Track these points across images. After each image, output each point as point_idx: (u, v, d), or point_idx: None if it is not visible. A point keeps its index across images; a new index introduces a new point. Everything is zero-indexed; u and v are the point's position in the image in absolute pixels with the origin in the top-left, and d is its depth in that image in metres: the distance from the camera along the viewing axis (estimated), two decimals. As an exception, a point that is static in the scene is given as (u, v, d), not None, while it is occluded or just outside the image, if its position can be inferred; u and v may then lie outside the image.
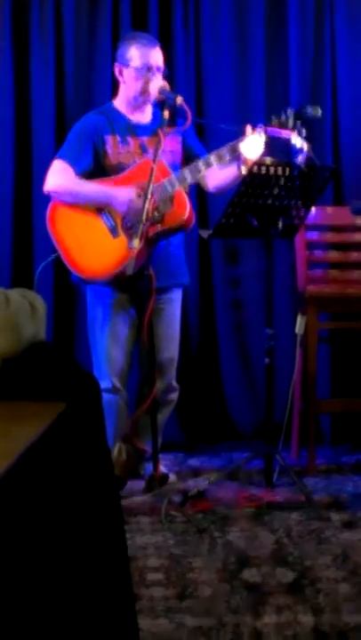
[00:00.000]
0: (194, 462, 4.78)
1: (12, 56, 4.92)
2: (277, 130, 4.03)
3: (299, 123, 3.99)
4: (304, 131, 4.00)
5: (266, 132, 4.03)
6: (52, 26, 4.91)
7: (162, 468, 4.21)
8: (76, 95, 4.96)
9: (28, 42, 4.93)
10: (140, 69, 4.13)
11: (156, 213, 4.00)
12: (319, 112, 4.05)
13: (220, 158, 4.04)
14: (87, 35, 4.97)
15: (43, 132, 4.92)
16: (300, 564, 3.36)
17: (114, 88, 4.84)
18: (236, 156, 4.04)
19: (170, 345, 4.28)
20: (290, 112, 4.04)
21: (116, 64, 4.22)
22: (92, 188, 4.12)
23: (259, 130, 4.03)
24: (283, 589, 3.14)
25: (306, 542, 3.58)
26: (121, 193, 4.06)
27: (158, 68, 4.16)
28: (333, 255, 4.97)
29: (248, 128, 4.03)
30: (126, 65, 4.16)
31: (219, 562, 3.38)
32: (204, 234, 4.19)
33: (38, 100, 4.93)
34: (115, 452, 4.17)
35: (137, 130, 4.20)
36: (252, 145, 4.00)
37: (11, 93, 4.91)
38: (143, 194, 3.89)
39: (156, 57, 4.16)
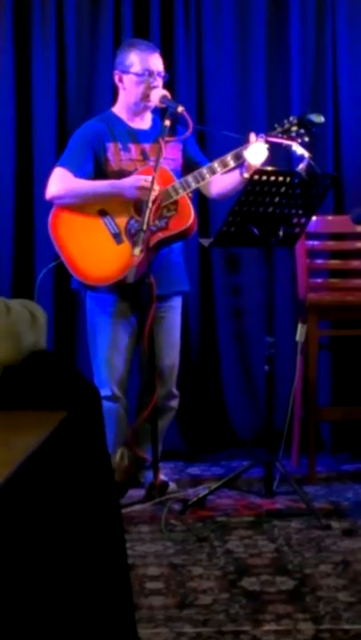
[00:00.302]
0: (194, 470, 4.78)
1: (14, 57, 4.92)
2: (278, 138, 4.05)
3: (302, 130, 4.00)
4: (306, 138, 4.00)
5: (267, 141, 4.05)
6: (53, 27, 4.92)
7: (162, 477, 4.20)
8: (78, 96, 4.96)
9: (29, 43, 4.94)
10: (141, 74, 4.14)
11: (157, 222, 4.01)
12: (322, 119, 4.06)
13: (224, 165, 4.06)
14: (89, 36, 4.98)
15: (44, 134, 4.93)
16: (300, 572, 3.36)
17: (115, 90, 4.86)
18: (240, 163, 4.06)
19: (170, 352, 4.29)
20: (293, 119, 4.05)
21: (116, 71, 4.23)
22: (98, 183, 4.12)
23: (260, 138, 4.04)
24: (283, 597, 3.13)
25: (306, 550, 3.57)
26: (128, 180, 4.07)
27: (159, 73, 4.17)
28: (334, 263, 4.98)
29: (252, 135, 4.04)
30: (126, 71, 4.17)
31: (218, 570, 3.38)
32: (205, 242, 4.19)
33: (39, 101, 4.93)
34: (117, 457, 4.16)
35: (138, 136, 4.21)
36: (257, 152, 4.02)
37: (12, 95, 4.92)
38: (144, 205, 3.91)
39: (157, 62, 4.17)
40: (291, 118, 4.07)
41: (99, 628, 1.88)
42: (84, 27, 4.97)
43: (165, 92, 4.14)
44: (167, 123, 4.03)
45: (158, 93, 4.13)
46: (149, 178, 3.93)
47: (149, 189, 3.89)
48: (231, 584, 3.25)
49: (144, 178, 4.00)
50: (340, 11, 5.06)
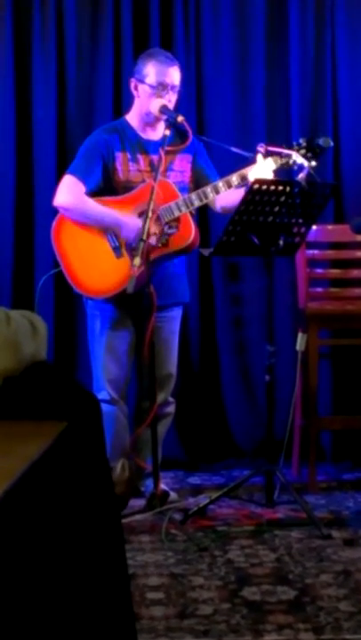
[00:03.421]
0: (194, 480, 4.78)
1: (14, 61, 4.93)
2: (278, 148, 4.06)
3: (309, 154, 4.00)
4: (314, 163, 3.99)
5: (267, 150, 4.05)
6: (53, 32, 4.92)
7: (162, 486, 4.20)
8: (78, 101, 4.97)
9: (29, 46, 4.94)
10: (155, 87, 4.13)
11: (159, 234, 4.01)
12: (330, 143, 4.07)
13: (228, 185, 4.07)
14: (88, 41, 4.98)
15: (44, 141, 4.93)
16: (300, 581, 3.35)
17: (115, 100, 4.87)
18: (245, 182, 4.06)
19: (168, 362, 4.28)
20: (302, 142, 4.05)
21: (133, 79, 4.23)
22: (101, 211, 4.12)
23: (260, 147, 4.05)
24: (283, 607, 3.13)
25: (307, 560, 3.57)
26: (130, 222, 4.08)
27: (172, 87, 4.17)
28: (334, 272, 4.98)
29: (259, 156, 4.05)
30: (142, 81, 4.17)
31: (219, 580, 3.37)
32: (205, 252, 4.20)
33: (39, 106, 4.93)
34: (118, 469, 4.17)
35: (147, 147, 4.21)
36: (262, 173, 4.02)
37: (12, 100, 4.92)
38: (144, 214, 3.91)
39: (173, 76, 4.16)
40: (300, 141, 4.07)
41: (99, 639, 1.88)
42: (84, 31, 4.98)
43: (165, 102, 4.14)
44: (167, 132, 4.04)
45: (158, 103, 4.13)
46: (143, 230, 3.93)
47: (142, 228, 3.89)
48: (232, 594, 3.25)
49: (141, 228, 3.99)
50: (338, 15, 5.07)
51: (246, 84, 5.08)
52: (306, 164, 3.99)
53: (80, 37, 4.97)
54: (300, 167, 4.00)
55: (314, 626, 2.97)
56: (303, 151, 4.00)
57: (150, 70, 4.15)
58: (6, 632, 1.52)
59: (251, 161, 4.09)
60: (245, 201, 3.88)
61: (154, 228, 3.99)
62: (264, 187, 3.87)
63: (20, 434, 1.88)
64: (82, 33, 4.98)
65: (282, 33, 5.09)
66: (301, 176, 3.97)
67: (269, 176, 4.03)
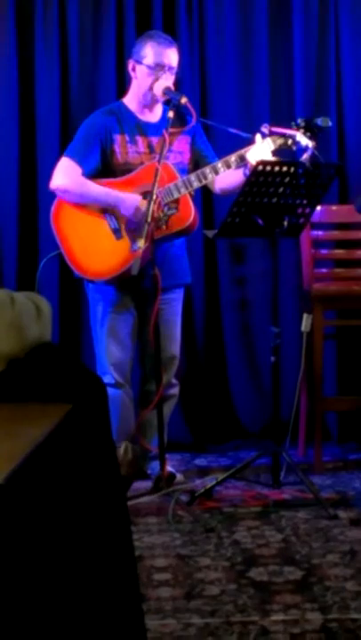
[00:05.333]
0: (201, 461, 4.79)
1: (17, 51, 4.91)
2: (282, 128, 4.05)
3: (308, 134, 3.99)
4: (313, 143, 3.98)
5: (271, 131, 4.05)
6: (56, 23, 4.90)
7: (169, 468, 4.21)
8: (81, 91, 4.95)
9: (32, 39, 4.92)
10: (153, 68, 4.12)
11: (161, 214, 4.01)
12: (329, 123, 4.05)
13: (227, 166, 4.06)
14: (91, 30, 4.96)
15: (47, 129, 4.92)
16: (307, 562, 3.36)
17: (118, 85, 4.85)
18: (244, 163, 4.05)
19: (170, 344, 4.28)
20: (300, 122, 4.03)
21: (130, 60, 4.22)
22: (99, 190, 4.12)
23: (264, 128, 4.04)
24: (290, 587, 3.14)
25: (313, 540, 3.58)
26: (128, 198, 4.07)
27: (170, 68, 4.15)
28: (339, 253, 4.97)
29: (257, 136, 4.04)
30: (139, 62, 4.16)
31: (226, 561, 3.39)
32: (210, 234, 4.19)
33: (43, 97, 4.92)
34: (121, 451, 4.18)
35: (146, 129, 4.20)
36: (260, 153, 4.01)
37: (15, 91, 4.91)
38: (148, 196, 3.90)
39: (171, 57, 4.15)
40: (298, 121, 4.06)
41: (106, 620, 1.88)
42: (87, 20, 4.96)
43: (168, 84, 4.12)
44: (171, 114, 4.03)
45: (161, 85, 4.12)
46: (143, 204, 3.91)
47: (143, 214, 3.88)
48: (239, 574, 3.26)
49: (142, 202, 3.98)
50: (342, 2, 5.04)
51: (250, 67, 5.06)
52: (310, 144, 3.98)
53: (82, 21, 4.95)
54: (305, 148, 3.99)
55: (321, 605, 2.98)
56: (302, 131, 3.99)
57: (148, 51, 4.14)
58: (12, 614, 1.53)
59: (250, 142, 4.08)
60: (250, 182, 3.87)
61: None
62: (268, 168, 3.86)
63: (25, 416, 1.88)
64: (84, 16, 4.95)
65: (285, 15, 5.06)
66: (305, 157, 3.96)
67: (268, 156, 4.02)
